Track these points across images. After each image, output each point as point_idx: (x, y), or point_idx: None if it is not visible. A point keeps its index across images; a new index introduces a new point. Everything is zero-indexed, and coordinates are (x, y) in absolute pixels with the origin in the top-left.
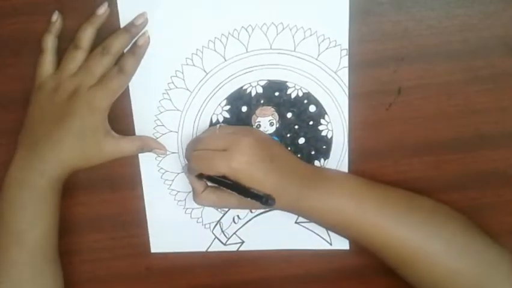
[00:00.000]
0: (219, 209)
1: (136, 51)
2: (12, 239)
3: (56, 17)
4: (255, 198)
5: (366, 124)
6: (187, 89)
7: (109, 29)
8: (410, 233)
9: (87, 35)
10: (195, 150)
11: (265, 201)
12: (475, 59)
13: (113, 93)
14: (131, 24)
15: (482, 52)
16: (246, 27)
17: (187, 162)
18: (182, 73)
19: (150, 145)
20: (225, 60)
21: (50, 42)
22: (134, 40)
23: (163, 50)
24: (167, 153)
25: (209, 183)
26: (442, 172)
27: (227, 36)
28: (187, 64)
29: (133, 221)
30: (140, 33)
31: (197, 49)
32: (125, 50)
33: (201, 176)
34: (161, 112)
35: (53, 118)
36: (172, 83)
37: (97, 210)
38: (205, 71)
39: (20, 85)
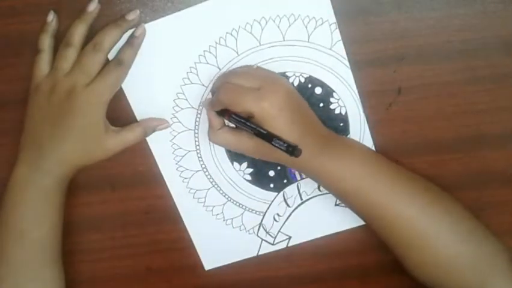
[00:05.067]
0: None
1: (134, 42)
2: (16, 239)
3: (51, 16)
4: (280, 146)
5: (367, 124)
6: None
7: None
8: (420, 213)
9: (78, 32)
10: (227, 82)
11: (291, 151)
12: (475, 59)
13: (113, 86)
14: (122, 20)
15: (482, 52)
16: (236, 28)
17: (211, 95)
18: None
19: (151, 126)
20: (219, 68)
21: (46, 43)
22: (131, 32)
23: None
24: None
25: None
26: (442, 172)
27: (218, 40)
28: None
29: (133, 221)
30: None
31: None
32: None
33: (221, 114)
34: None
35: (54, 118)
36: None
37: (97, 210)
38: (202, 82)
39: (20, 85)
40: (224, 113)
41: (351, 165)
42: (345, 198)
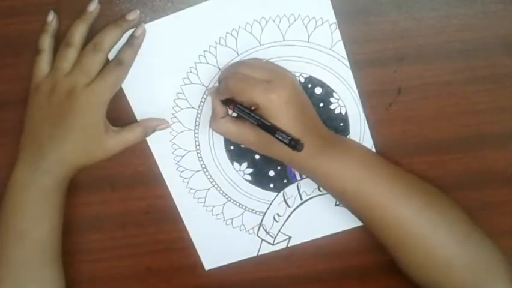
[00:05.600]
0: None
1: (134, 42)
2: (16, 239)
3: (51, 16)
4: (283, 138)
5: (367, 124)
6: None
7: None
8: (418, 215)
9: (78, 32)
10: (237, 72)
11: (294, 144)
12: (475, 59)
13: (112, 87)
14: (122, 20)
15: (482, 52)
16: (236, 28)
17: (218, 83)
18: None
19: (152, 126)
20: (219, 68)
21: (46, 43)
22: (132, 32)
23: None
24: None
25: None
26: (442, 172)
27: (218, 40)
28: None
29: (133, 221)
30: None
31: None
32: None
33: (226, 103)
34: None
35: (54, 118)
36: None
37: (97, 210)
38: (202, 82)
39: (20, 85)
40: (229, 102)
41: (351, 166)
42: (344, 199)
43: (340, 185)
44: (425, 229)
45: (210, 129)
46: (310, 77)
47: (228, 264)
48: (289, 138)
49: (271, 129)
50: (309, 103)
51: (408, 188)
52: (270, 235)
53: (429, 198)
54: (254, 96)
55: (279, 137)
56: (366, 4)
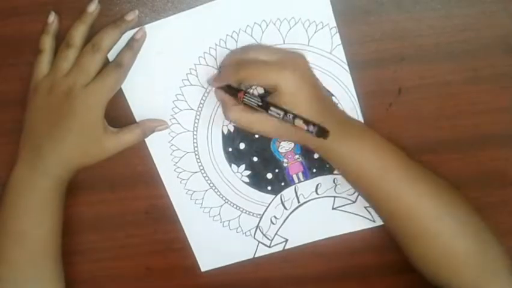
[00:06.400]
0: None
1: (134, 45)
2: (15, 239)
3: (52, 18)
4: (306, 124)
5: (366, 124)
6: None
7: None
8: (431, 207)
9: (79, 33)
10: (244, 58)
11: (319, 131)
12: (475, 59)
13: (111, 88)
14: (121, 20)
15: (482, 52)
16: (236, 31)
17: (221, 70)
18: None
19: (151, 127)
20: (219, 69)
21: (47, 43)
22: (132, 35)
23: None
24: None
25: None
26: (442, 172)
27: (218, 42)
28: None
29: (133, 221)
30: (135, 29)
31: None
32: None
33: (231, 92)
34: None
35: (53, 118)
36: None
37: (97, 210)
38: (201, 84)
39: (20, 85)
40: (232, 90)
41: (364, 150)
42: (357, 184)
43: (352, 169)
44: (440, 221)
45: (209, 129)
46: None
47: (225, 266)
48: (315, 128)
49: (292, 117)
50: (321, 84)
51: (420, 179)
52: (266, 237)
53: (442, 190)
54: (268, 77)
55: (309, 129)
56: (366, 4)
